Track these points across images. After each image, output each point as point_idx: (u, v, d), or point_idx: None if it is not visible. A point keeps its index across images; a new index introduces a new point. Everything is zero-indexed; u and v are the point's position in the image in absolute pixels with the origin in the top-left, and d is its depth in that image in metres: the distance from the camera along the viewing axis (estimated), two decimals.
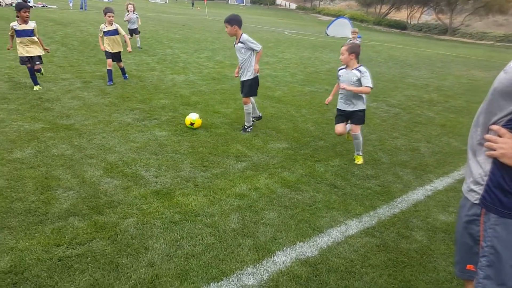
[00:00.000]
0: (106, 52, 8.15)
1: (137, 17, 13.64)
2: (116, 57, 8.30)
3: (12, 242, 3.00)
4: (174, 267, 2.93)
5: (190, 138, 5.57)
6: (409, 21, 48.96)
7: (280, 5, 76.73)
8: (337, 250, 3.33)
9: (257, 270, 2.99)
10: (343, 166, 5.10)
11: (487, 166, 1.81)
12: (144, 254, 3.04)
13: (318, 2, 71.10)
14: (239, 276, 2.91)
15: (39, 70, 7.33)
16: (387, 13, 52.22)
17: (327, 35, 28.79)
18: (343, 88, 4.92)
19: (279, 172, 4.76)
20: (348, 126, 5.45)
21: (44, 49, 7.29)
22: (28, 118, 5.68)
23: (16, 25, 6.86)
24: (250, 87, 5.97)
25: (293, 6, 71.19)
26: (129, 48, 8.30)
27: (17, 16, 6.88)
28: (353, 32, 12.14)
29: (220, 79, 9.77)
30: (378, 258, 3.29)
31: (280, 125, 6.56)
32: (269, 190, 4.28)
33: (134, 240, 3.19)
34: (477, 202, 1.87)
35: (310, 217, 3.79)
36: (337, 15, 42.87)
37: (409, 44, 27.94)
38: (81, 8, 28.29)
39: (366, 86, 4.82)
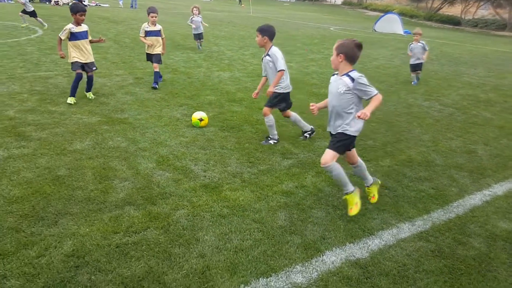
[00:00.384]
0: (146, 53, 7.95)
1: (202, 21, 13.12)
2: (155, 58, 7.82)
3: (74, 227, 3.18)
4: (224, 260, 2.98)
5: (237, 134, 5.63)
6: (463, 16, 46.60)
7: (325, 0, 75.60)
8: (389, 253, 3.24)
9: (306, 268, 2.98)
10: (394, 167, 4.95)
11: None
12: (195, 245, 3.11)
13: None
14: (288, 273, 2.91)
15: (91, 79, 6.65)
16: (439, 8, 50.00)
17: (375, 31, 28.01)
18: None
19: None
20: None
21: (100, 40, 6.87)
22: (86, 111, 5.98)
23: (73, 27, 6.37)
24: (274, 98, 5.42)
25: (339, 1, 69.90)
26: (163, 50, 7.96)
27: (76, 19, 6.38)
28: (415, 34, 10.06)
29: None
30: (433, 263, 3.17)
31: (327, 123, 6.46)
32: (316, 188, 4.24)
33: (185, 231, 3.28)
34: None
35: (360, 218, 3.71)
36: (386, 10, 41.55)
37: (463, 40, 26.61)
38: (132, 6, 29.31)
39: (371, 95, 3.57)
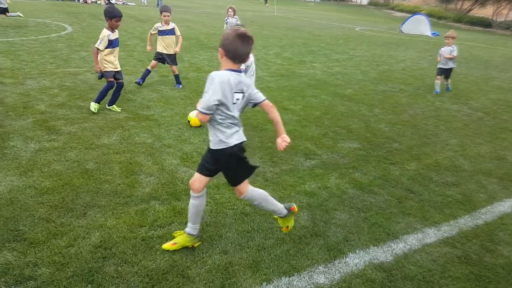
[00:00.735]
0: (157, 52, 7.45)
1: (237, 23, 11.99)
2: (170, 59, 7.47)
3: (102, 220, 3.26)
4: (246, 257, 3.00)
5: (259, 133, 5.64)
6: (494, 18, 45.27)
7: (351, 0, 74.73)
8: (414, 258, 3.19)
9: (328, 269, 2.97)
10: (420, 171, 4.86)
11: None
12: (218, 242, 3.14)
13: None
14: (310, 273, 2.91)
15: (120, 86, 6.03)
16: (470, 9, 48.72)
17: (402, 32, 27.54)
18: None
19: (350, 172, 4.66)
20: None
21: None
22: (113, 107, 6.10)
23: (110, 34, 5.66)
24: None
25: (365, 1, 68.96)
26: (177, 49, 7.45)
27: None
28: (447, 37, 9.20)
29: (288, 76, 9.76)
30: (459, 270, 3.11)
31: (351, 124, 6.42)
32: (339, 190, 4.21)
33: (208, 227, 3.32)
34: None
35: (384, 222, 3.67)
36: (413, 11, 40.76)
37: (494, 43, 25.86)
38: (158, 5, 29.73)
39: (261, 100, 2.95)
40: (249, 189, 2.97)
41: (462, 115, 7.69)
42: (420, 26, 27.17)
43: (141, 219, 3.31)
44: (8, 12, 12.93)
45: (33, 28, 13.07)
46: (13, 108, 5.63)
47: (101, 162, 4.26)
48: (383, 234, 3.48)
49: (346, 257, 3.12)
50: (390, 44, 19.41)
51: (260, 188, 4.03)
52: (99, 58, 5.67)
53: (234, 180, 2.93)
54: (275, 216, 3.21)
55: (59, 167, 4.07)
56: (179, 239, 3.00)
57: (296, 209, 3.21)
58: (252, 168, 2.94)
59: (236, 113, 2.84)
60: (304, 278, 2.86)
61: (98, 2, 26.63)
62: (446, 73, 9.35)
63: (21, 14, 13.91)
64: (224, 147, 2.78)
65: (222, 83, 2.64)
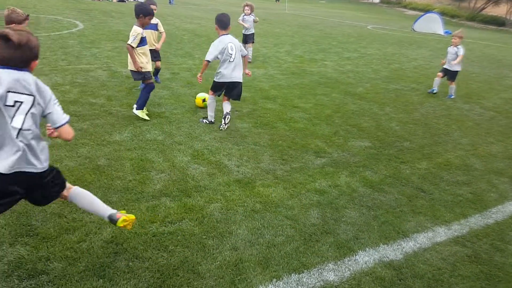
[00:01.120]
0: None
1: (254, 21, 10.71)
2: (153, 55, 6.72)
3: None
4: (256, 254, 3.01)
5: (270, 131, 5.65)
6: (508, 17, 44.61)
7: None
8: (424, 257, 3.18)
9: (338, 267, 2.97)
10: (431, 170, 4.83)
11: None
12: (228, 238, 3.16)
13: None
14: (320, 270, 2.91)
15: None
16: (483, 8, 48.06)
17: (414, 30, 27.27)
18: None
19: (360, 171, 4.65)
20: None
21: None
22: (124, 104, 6.16)
23: (143, 31, 5.42)
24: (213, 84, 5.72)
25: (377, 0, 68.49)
26: (158, 46, 7.07)
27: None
28: (454, 36, 8.75)
29: (299, 74, 9.74)
30: (469, 269, 3.09)
31: (362, 123, 6.39)
32: (350, 188, 4.20)
33: (219, 224, 3.34)
34: None
35: (395, 220, 3.66)
36: (426, 10, 40.34)
37: (508, 42, 25.50)
38: (170, 2, 29.85)
39: None
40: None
41: (474, 114, 7.61)
42: (432, 24, 26.89)
43: (152, 215, 3.34)
44: None
45: (45, 25, 13.22)
46: None
47: (112, 159, 4.31)
48: (393, 233, 3.47)
49: (356, 255, 3.12)
50: (402, 43, 19.24)
51: (271, 186, 4.06)
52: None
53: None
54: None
55: (71, 163, 4.13)
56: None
57: (121, 221, 2.67)
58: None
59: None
60: (314, 275, 2.86)
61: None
62: (450, 75, 8.75)
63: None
64: None
65: None
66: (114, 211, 2.73)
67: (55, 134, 2.48)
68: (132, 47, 5.31)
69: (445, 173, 4.78)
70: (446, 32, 25.81)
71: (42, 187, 2.47)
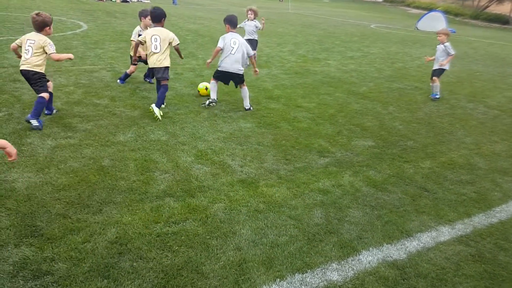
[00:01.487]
0: (140, 57, 6.85)
1: (256, 27, 9.86)
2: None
3: (117, 216, 3.32)
4: (260, 254, 3.02)
5: (273, 131, 5.66)
6: None
7: None
8: (427, 256, 3.18)
9: (342, 267, 2.97)
10: (434, 169, 4.82)
11: None
12: (232, 238, 3.17)
13: None
14: (323, 270, 2.91)
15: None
16: (487, 6, 47.79)
17: (417, 29, 27.17)
18: None
19: (364, 170, 4.64)
20: None
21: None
22: (128, 105, 6.19)
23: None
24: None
25: None
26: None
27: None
28: (438, 34, 8.37)
29: (302, 73, 9.74)
30: (473, 268, 3.09)
31: (366, 122, 6.38)
32: (353, 188, 4.20)
33: (222, 224, 3.35)
34: None
35: (398, 220, 3.66)
36: (429, 8, 40.16)
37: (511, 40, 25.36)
38: (173, 2, 29.91)
39: None
40: None
41: (477, 113, 7.58)
42: (436, 23, 26.72)
43: (156, 216, 3.36)
44: None
45: None
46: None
47: (116, 159, 4.33)
48: (397, 232, 3.47)
49: (359, 255, 3.12)
50: (406, 42, 19.18)
51: (274, 186, 4.07)
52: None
53: None
54: None
55: (75, 164, 4.15)
56: None
57: None
58: None
59: None
60: (317, 275, 2.87)
61: (113, 0, 26.89)
62: (436, 71, 8.26)
63: None
64: None
65: None
66: None
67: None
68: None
69: (449, 172, 4.77)
70: (450, 30, 25.70)
71: None
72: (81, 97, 6.38)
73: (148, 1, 30.33)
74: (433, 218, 3.74)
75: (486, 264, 3.15)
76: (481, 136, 6.23)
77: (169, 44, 5.94)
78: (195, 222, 3.33)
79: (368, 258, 3.09)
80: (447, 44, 8.09)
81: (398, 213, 3.77)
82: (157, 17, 5.92)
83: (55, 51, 5.10)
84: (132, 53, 6.75)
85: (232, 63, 6.27)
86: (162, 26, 5.97)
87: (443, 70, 8.24)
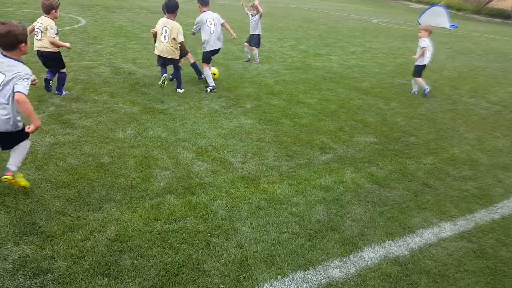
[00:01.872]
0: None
1: (256, 21, 9.65)
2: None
3: (117, 213, 3.29)
4: (261, 251, 3.00)
5: (275, 127, 5.62)
6: None
7: None
8: (429, 252, 3.16)
9: (344, 263, 2.95)
10: (437, 165, 4.79)
11: None
12: (233, 235, 3.15)
13: None
14: (325, 267, 2.90)
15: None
16: (489, 1, 47.54)
17: (419, 24, 27.01)
18: None
19: (366, 166, 4.62)
20: None
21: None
22: (127, 101, 6.15)
23: None
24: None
25: None
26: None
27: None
28: (419, 30, 8.13)
29: (304, 69, 9.68)
30: (475, 264, 3.07)
31: (368, 118, 6.35)
32: (355, 184, 4.18)
33: (223, 221, 3.32)
34: None
35: (400, 216, 3.63)
36: (431, 3, 39.93)
37: None
38: None
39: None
40: None
41: (479, 108, 7.54)
42: (438, 18, 26.55)
43: (157, 213, 3.34)
44: None
45: None
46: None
47: (116, 156, 4.30)
48: (399, 228, 3.45)
49: (361, 251, 3.10)
50: (408, 36, 19.09)
51: (276, 182, 4.05)
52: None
53: None
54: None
55: (74, 161, 4.13)
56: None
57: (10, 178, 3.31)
58: None
59: None
60: (319, 272, 2.85)
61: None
62: (414, 69, 8.15)
63: None
64: None
65: None
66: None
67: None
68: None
69: (451, 168, 4.74)
70: (452, 25, 25.54)
71: None
72: (79, 93, 6.34)
73: None
74: (435, 214, 3.72)
75: (488, 260, 3.14)
76: (483, 131, 6.20)
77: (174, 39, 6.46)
78: (196, 219, 3.31)
79: (370, 254, 3.07)
80: (425, 39, 7.85)
81: (400, 210, 3.75)
82: (171, 8, 6.53)
83: (52, 36, 5.69)
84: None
85: (215, 41, 7.04)
86: (175, 18, 6.59)
87: (420, 66, 7.99)
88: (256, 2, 9.57)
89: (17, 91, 3.08)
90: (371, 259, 3.02)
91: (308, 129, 5.66)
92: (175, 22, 6.55)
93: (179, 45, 6.63)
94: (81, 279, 2.58)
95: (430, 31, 7.99)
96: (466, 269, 3.02)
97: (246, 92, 7.26)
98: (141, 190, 3.68)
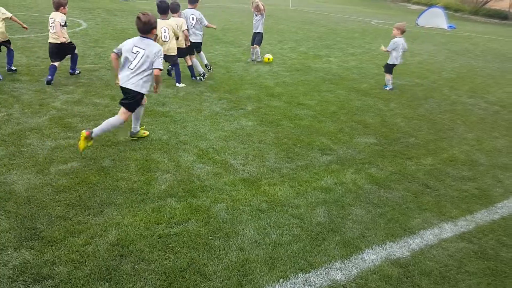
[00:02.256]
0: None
1: (259, 20, 10.04)
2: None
3: (118, 217, 3.30)
4: (263, 254, 3.00)
5: (275, 129, 5.63)
6: (511, 11, 44.16)
7: None
8: (430, 253, 3.17)
9: (345, 266, 2.96)
10: (436, 166, 4.80)
11: None
12: (234, 239, 3.16)
13: None
14: (327, 270, 2.90)
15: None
16: (486, 2, 47.61)
17: (418, 25, 27.06)
18: None
19: (366, 168, 4.62)
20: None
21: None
22: None
23: None
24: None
25: None
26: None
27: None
28: (393, 28, 8.55)
29: (304, 71, 9.70)
30: (475, 265, 3.08)
31: (367, 119, 6.36)
32: (356, 185, 4.19)
33: (225, 224, 3.33)
34: None
35: (401, 217, 3.64)
36: (429, 4, 39.99)
37: (511, 36, 25.25)
38: None
39: None
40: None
41: (478, 109, 7.55)
42: (436, 19, 26.64)
43: (158, 217, 3.34)
44: None
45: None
46: (29, 105, 5.71)
47: (117, 160, 4.31)
48: (400, 230, 3.45)
49: (362, 253, 3.11)
50: (406, 38, 18.97)
51: (277, 184, 4.05)
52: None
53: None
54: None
55: (75, 164, 4.13)
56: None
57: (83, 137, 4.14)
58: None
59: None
60: (321, 274, 2.85)
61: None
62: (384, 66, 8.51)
63: None
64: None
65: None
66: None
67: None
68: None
69: (451, 169, 4.75)
70: (450, 26, 25.60)
71: None
72: (81, 96, 6.35)
73: None
74: (435, 215, 3.73)
75: (489, 261, 3.14)
76: (482, 132, 6.21)
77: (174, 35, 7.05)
78: (197, 222, 3.31)
79: (371, 256, 3.08)
80: (394, 40, 8.14)
81: (400, 211, 3.75)
82: (164, 10, 6.97)
83: (58, 30, 6.53)
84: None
85: (197, 35, 7.81)
86: (168, 18, 7.01)
87: (390, 65, 8.31)
88: (257, 2, 9.89)
89: (156, 68, 4.30)
90: (372, 261, 3.02)
91: (308, 130, 5.67)
92: (168, 21, 7.00)
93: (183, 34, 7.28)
94: (82, 284, 2.58)
95: (403, 30, 8.21)
96: (467, 270, 3.02)
97: (247, 94, 7.28)
98: (142, 193, 3.68)
